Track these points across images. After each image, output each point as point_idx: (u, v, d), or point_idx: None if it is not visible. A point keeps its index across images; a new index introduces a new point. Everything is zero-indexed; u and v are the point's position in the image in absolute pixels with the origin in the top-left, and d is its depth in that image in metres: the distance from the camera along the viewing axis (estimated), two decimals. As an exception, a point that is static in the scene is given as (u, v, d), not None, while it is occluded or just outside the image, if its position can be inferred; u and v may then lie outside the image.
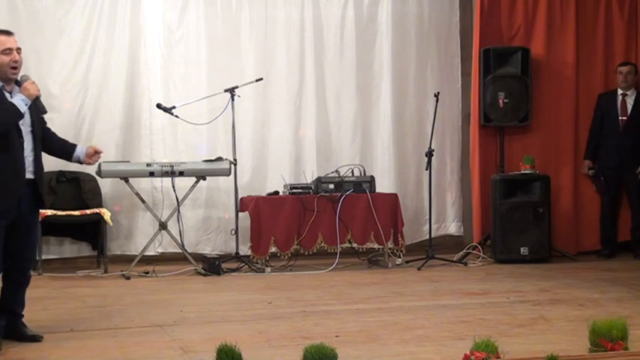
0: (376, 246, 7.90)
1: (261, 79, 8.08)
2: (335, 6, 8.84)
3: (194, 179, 7.66)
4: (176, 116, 7.68)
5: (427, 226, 8.40)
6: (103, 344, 4.61)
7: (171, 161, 7.68)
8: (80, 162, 5.08)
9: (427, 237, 8.31)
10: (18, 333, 4.70)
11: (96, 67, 8.16)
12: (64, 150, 5.04)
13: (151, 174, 7.55)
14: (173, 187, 7.60)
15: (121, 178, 7.59)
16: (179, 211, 7.66)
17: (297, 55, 8.73)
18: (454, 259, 8.13)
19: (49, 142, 4.92)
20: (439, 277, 7.21)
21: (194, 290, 6.64)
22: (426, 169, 8.03)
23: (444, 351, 4.34)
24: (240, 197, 7.89)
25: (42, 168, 4.80)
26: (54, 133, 5.05)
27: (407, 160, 9.00)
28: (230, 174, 7.73)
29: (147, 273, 7.40)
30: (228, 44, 8.53)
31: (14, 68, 4.62)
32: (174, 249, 7.85)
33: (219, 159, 7.75)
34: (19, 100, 4.55)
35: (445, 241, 8.97)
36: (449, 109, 9.03)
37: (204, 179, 7.78)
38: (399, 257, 7.92)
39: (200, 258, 7.83)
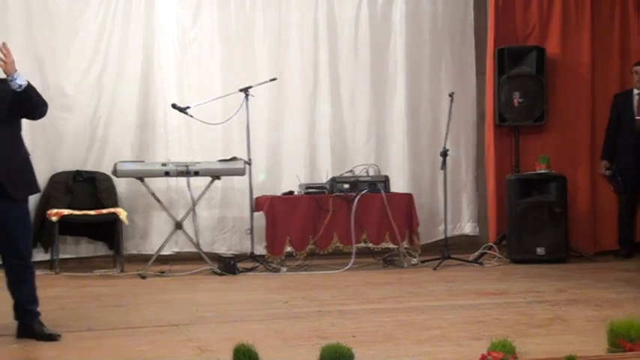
0: (391, 246, 7.89)
1: (275, 78, 8.08)
2: (349, 5, 8.83)
3: (209, 179, 7.67)
4: (191, 116, 7.70)
5: (442, 225, 8.38)
6: (119, 343, 4.62)
7: (186, 161, 7.68)
8: (9, 81, 4.53)
9: (442, 237, 8.30)
10: (35, 332, 4.70)
11: (110, 68, 8.18)
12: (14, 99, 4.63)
13: (166, 174, 7.57)
14: (188, 186, 7.61)
15: (136, 178, 7.60)
16: (194, 211, 7.67)
17: (311, 54, 8.73)
18: (470, 259, 8.10)
19: (19, 111, 4.67)
20: (455, 277, 7.19)
21: (210, 290, 6.65)
22: (441, 169, 8.01)
23: (460, 351, 4.32)
24: (255, 197, 7.89)
25: (11, 161, 4.65)
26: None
27: (421, 160, 8.98)
28: (245, 174, 7.73)
29: (163, 272, 7.42)
30: (243, 44, 8.54)
31: None
32: (190, 248, 7.86)
33: (234, 159, 7.75)
34: None
35: (460, 241, 8.93)
36: (463, 108, 9.00)
37: (219, 179, 7.79)
38: (415, 257, 7.91)
39: (215, 257, 7.84)
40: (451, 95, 8.11)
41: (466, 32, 9.17)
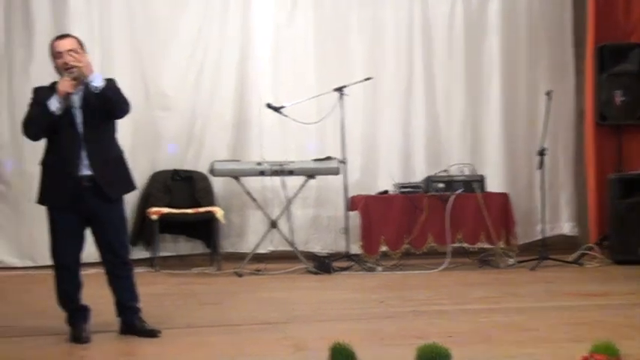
0: (487, 246, 7.80)
1: (370, 78, 8.06)
2: (443, 3, 8.77)
3: (304, 178, 7.71)
4: (285, 115, 7.75)
5: (540, 225, 8.23)
6: (217, 341, 4.67)
7: (281, 160, 7.74)
8: (91, 82, 4.58)
9: (540, 237, 8.15)
10: (136, 328, 4.80)
11: (208, 68, 8.32)
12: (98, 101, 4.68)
13: (261, 173, 7.63)
14: (283, 186, 7.66)
15: (232, 177, 7.70)
16: (289, 210, 7.72)
17: (406, 53, 8.70)
18: (569, 259, 7.92)
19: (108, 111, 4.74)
20: (553, 277, 7.05)
21: (305, 288, 6.69)
22: (538, 169, 7.86)
23: (560, 353, 4.23)
24: (349, 196, 7.90)
25: (107, 162, 4.73)
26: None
27: (518, 159, 8.85)
28: (339, 173, 7.74)
29: (258, 271, 7.49)
30: (337, 44, 8.56)
31: (68, 69, 4.63)
32: (285, 247, 7.91)
33: (329, 158, 7.77)
34: (52, 99, 4.57)
35: (559, 241, 8.74)
36: (562, 107, 8.81)
37: (314, 178, 7.82)
38: (511, 257, 7.79)
39: (310, 256, 7.87)
40: (548, 93, 7.94)
41: (564, 29, 8.98)
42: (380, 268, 7.52)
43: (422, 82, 8.73)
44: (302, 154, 8.13)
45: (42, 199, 4.72)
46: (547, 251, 7.77)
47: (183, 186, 8.13)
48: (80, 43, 4.72)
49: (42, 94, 4.67)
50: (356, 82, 7.93)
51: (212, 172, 7.60)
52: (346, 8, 8.58)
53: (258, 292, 6.44)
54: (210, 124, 8.33)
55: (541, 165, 7.81)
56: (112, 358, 4.37)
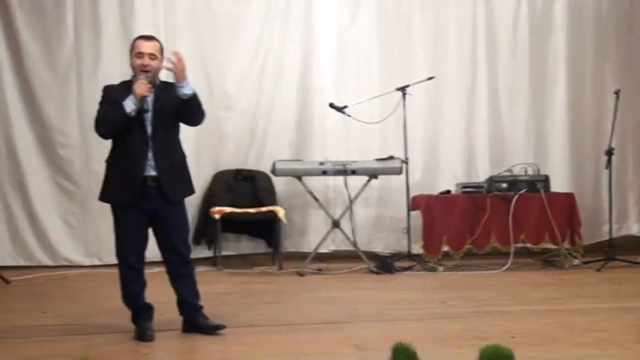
0: (551, 246, 7.70)
1: (433, 77, 8.02)
2: (507, 2, 8.68)
3: (366, 178, 7.70)
4: (348, 115, 7.75)
5: (607, 226, 8.10)
6: (280, 340, 4.70)
7: (343, 160, 7.75)
8: (178, 88, 4.69)
9: (607, 237, 8.02)
10: (199, 325, 4.86)
11: (270, 67, 8.37)
12: (178, 105, 4.78)
13: (324, 172, 7.65)
14: (345, 185, 7.67)
15: (294, 177, 7.73)
16: (351, 210, 7.73)
17: (469, 52, 8.64)
18: (638, 260, 7.76)
19: (181, 117, 4.85)
20: (621, 279, 6.92)
21: (367, 288, 6.68)
22: (606, 168, 7.73)
23: (627, 355, 4.17)
24: (411, 196, 7.87)
25: (171, 165, 4.80)
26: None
27: (584, 159, 8.72)
28: (401, 173, 7.72)
29: (320, 270, 7.51)
30: (400, 43, 8.54)
31: (144, 72, 4.73)
32: (347, 247, 7.91)
33: (391, 158, 7.75)
34: (128, 101, 4.65)
35: (627, 241, 8.59)
36: (630, 106, 8.65)
37: (376, 178, 7.81)
38: (576, 258, 7.68)
39: (372, 256, 7.86)
40: (617, 92, 7.79)
41: (633, 28, 8.82)
42: (442, 268, 7.48)
43: (485, 81, 8.66)
44: (364, 154, 8.12)
45: (105, 197, 4.82)
46: (614, 252, 7.63)
47: (246, 185, 8.19)
48: (162, 49, 4.85)
49: (113, 93, 4.78)
50: (418, 82, 7.90)
51: (274, 171, 7.64)
52: (409, 8, 8.55)
53: (320, 292, 6.46)
54: (272, 124, 8.38)
55: (609, 165, 7.68)
56: (175, 356, 4.43)
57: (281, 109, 8.37)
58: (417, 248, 7.85)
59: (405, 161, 7.74)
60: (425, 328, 4.95)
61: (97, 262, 7.97)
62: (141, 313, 4.84)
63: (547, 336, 4.68)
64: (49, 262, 7.92)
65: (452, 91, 8.59)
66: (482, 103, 8.64)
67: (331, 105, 7.77)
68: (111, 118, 4.68)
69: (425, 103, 8.45)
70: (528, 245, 7.70)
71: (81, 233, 8.01)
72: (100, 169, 7.80)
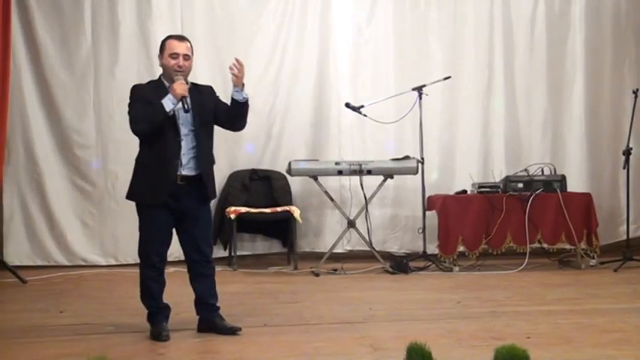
0: (568, 246, 7.67)
1: (449, 77, 8.00)
2: (525, 2, 8.65)
3: (382, 178, 7.70)
4: (364, 115, 7.74)
5: (624, 226, 8.07)
6: (295, 339, 4.71)
7: (359, 160, 7.74)
8: (235, 92, 4.88)
9: (624, 238, 7.98)
10: (216, 325, 4.88)
11: (287, 67, 8.39)
12: (231, 106, 4.95)
13: (340, 172, 7.65)
14: (361, 185, 7.67)
15: (310, 177, 7.73)
16: (367, 210, 7.72)
17: (486, 52, 8.63)
18: (654, 261, 7.74)
19: (227, 116, 4.96)
20: (638, 279, 6.89)
21: (382, 288, 6.68)
22: (624, 168, 7.69)
23: (644, 356, 4.15)
24: (427, 196, 7.86)
25: (208, 165, 4.89)
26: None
27: (601, 159, 8.69)
28: (417, 172, 7.71)
29: (335, 270, 7.51)
30: (417, 43, 8.53)
31: (178, 72, 4.77)
32: (362, 247, 7.91)
33: (407, 157, 7.74)
34: (166, 100, 4.68)
35: (644, 242, 8.56)
36: (648, 105, 8.62)
37: (392, 178, 7.80)
38: (593, 258, 7.64)
39: (387, 256, 7.86)
40: (635, 92, 7.75)
41: (651, 27, 8.79)
42: (457, 268, 7.47)
43: (502, 81, 8.64)
44: (380, 154, 8.13)
45: (135, 195, 4.82)
46: (631, 252, 7.58)
47: (261, 185, 8.21)
48: (192, 49, 4.90)
49: (144, 92, 4.80)
50: (435, 82, 7.88)
51: (290, 171, 7.65)
52: (425, 7, 8.54)
53: (335, 292, 6.46)
54: (288, 124, 8.39)
55: (626, 164, 7.64)
56: (191, 356, 4.44)
57: (297, 108, 8.38)
58: (433, 248, 7.85)
59: (421, 161, 7.73)
60: (440, 328, 4.94)
61: (113, 262, 8.01)
62: (158, 312, 4.86)
63: (563, 336, 4.66)
64: (65, 262, 7.96)
65: (468, 90, 8.57)
66: (498, 102, 8.62)
67: (347, 105, 7.77)
68: (150, 117, 4.68)
69: (441, 103, 8.44)
70: (544, 245, 7.67)
71: (97, 233, 8.04)
72: (117, 169, 7.96)
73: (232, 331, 4.82)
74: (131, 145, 7.93)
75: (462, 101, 8.57)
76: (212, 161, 4.97)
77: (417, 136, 7.85)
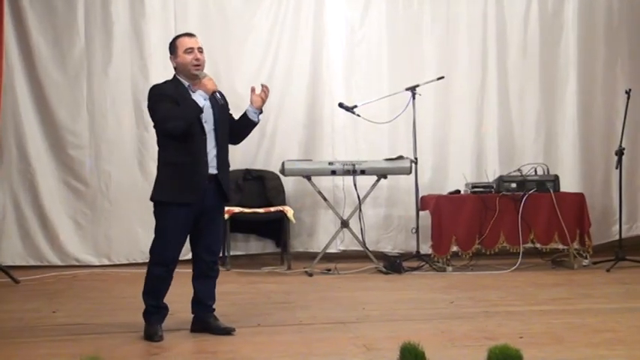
0: (560, 246, 7.69)
1: (443, 77, 8.01)
2: (518, 2, 8.67)
3: (375, 178, 7.70)
4: (358, 115, 7.74)
5: (617, 226, 8.08)
6: (288, 340, 4.71)
7: (353, 160, 7.75)
8: (252, 112, 5.04)
9: (616, 238, 7.99)
10: (210, 326, 4.88)
11: (280, 67, 8.38)
12: (240, 121, 5.06)
13: (333, 172, 7.65)
14: (354, 185, 7.67)
15: (303, 177, 7.73)
16: (360, 210, 7.73)
17: (479, 52, 8.63)
18: (647, 260, 7.76)
19: (232, 129, 5.01)
20: (631, 279, 6.90)
21: (375, 288, 6.68)
22: (616, 168, 7.71)
23: (636, 355, 4.16)
24: (420, 196, 7.87)
25: (227, 164, 4.93)
26: (233, 119, 5.10)
27: (594, 159, 8.70)
28: (411, 172, 7.72)
29: (329, 270, 7.51)
30: (410, 43, 8.54)
31: (196, 66, 4.79)
32: (356, 247, 7.91)
33: (400, 157, 7.75)
34: (198, 96, 4.70)
35: (637, 242, 8.55)
36: (641, 105, 8.65)
37: (385, 178, 7.81)
38: (586, 258, 7.66)
39: (381, 256, 7.87)
40: (628, 92, 7.77)
41: (644, 27, 8.81)
42: (450, 268, 7.47)
43: (495, 81, 8.64)
44: (373, 154, 8.13)
45: (164, 195, 4.75)
46: (624, 252, 7.60)
47: (255, 185, 8.21)
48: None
49: (168, 91, 4.77)
50: (428, 82, 7.89)
51: (283, 171, 7.65)
52: (419, 7, 8.55)
53: (329, 292, 6.46)
54: (281, 124, 8.38)
55: (619, 164, 7.66)
56: (185, 356, 4.43)
57: (290, 109, 8.38)
58: (426, 248, 7.86)
59: (415, 161, 7.74)
60: (433, 328, 4.95)
61: (106, 262, 8.00)
62: (156, 312, 4.85)
63: (556, 336, 4.67)
64: (58, 262, 7.94)
65: (461, 91, 8.58)
66: (491, 102, 8.63)
67: (340, 105, 7.77)
68: (183, 113, 4.67)
69: (434, 103, 8.44)
70: (537, 245, 7.69)
71: (90, 233, 8.03)
72: (110, 169, 7.96)
73: (226, 332, 4.82)
74: (124, 145, 8.06)
75: (456, 101, 8.58)
76: (228, 164, 4.97)
77: (410, 136, 7.86)
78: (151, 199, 4.85)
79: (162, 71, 8.03)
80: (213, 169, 4.79)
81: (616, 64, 8.73)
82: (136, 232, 7.97)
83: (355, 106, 7.72)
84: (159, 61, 8.08)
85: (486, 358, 3.60)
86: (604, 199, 8.65)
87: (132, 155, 8.08)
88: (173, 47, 4.87)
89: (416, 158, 7.76)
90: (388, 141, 8.38)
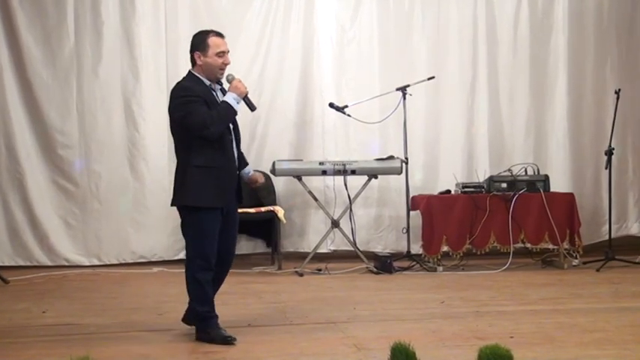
0: (551, 246, 7.70)
1: (433, 77, 8.02)
2: (508, 2, 8.67)
3: (366, 178, 7.70)
4: (348, 115, 7.74)
5: (606, 226, 8.10)
6: (278, 339, 4.71)
7: (344, 160, 7.75)
8: (243, 179, 5.04)
9: (606, 238, 8.01)
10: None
11: (270, 67, 8.37)
12: (239, 161, 5.02)
13: (324, 172, 7.65)
14: (345, 185, 7.67)
15: (294, 177, 7.73)
16: (351, 210, 7.72)
17: (470, 52, 8.63)
18: (637, 260, 7.76)
19: None
20: (620, 279, 6.92)
21: (366, 288, 6.68)
22: (606, 168, 7.72)
23: (626, 355, 4.17)
24: (411, 196, 7.88)
25: (242, 165, 4.95)
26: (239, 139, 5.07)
27: (584, 159, 8.72)
28: (401, 172, 7.72)
29: (319, 270, 7.51)
30: (400, 43, 8.53)
31: (222, 70, 4.79)
32: (346, 247, 7.91)
33: (391, 157, 7.75)
34: (231, 99, 4.68)
35: (626, 242, 8.57)
36: (631, 106, 8.66)
37: (376, 178, 7.81)
38: (576, 258, 7.68)
39: (372, 256, 7.87)
40: (617, 92, 7.79)
41: (634, 28, 8.81)
42: (441, 268, 7.48)
43: (485, 81, 8.65)
44: (364, 154, 8.13)
45: (199, 199, 4.63)
46: (613, 252, 7.62)
47: (245, 185, 8.16)
48: None
49: (201, 92, 4.72)
50: (419, 82, 7.90)
51: (274, 171, 7.64)
52: (409, 7, 8.55)
53: (319, 292, 6.46)
54: (272, 124, 8.37)
55: (608, 164, 7.67)
56: (175, 356, 4.43)
57: (281, 109, 8.37)
58: (417, 248, 7.87)
59: (405, 161, 7.74)
60: (424, 328, 4.95)
61: (96, 262, 7.97)
62: (213, 317, 4.78)
63: (546, 336, 4.68)
64: (48, 262, 7.91)
65: (452, 91, 8.58)
66: (482, 103, 8.63)
67: (331, 105, 7.76)
68: (224, 117, 4.65)
69: (425, 103, 8.44)
70: (528, 245, 7.70)
71: (80, 233, 8.00)
72: (100, 169, 7.94)
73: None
74: (114, 145, 8.03)
75: (446, 101, 8.58)
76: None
77: (401, 136, 7.86)
78: (182, 204, 4.71)
79: (153, 71, 8.08)
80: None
81: (606, 64, 8.75)
82: (126, 233, 7.97)
83: (346, 106, 7.72)
84: (149, 61, 8.08)
85: (477, 357, 3.61)
86: (594, 199, 8.66)
87: (122, 155, 8.06)
88: (203, 44, 4.76)
89: (406, 158, 7.77)
90: (379, 141, 8.37)
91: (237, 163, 4.81)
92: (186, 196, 4.66)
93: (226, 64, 4.79)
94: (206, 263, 4.69)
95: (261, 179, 5.15)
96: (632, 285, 6.59)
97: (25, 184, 7.92)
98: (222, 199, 4.68)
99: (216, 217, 4.67)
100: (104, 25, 8.03)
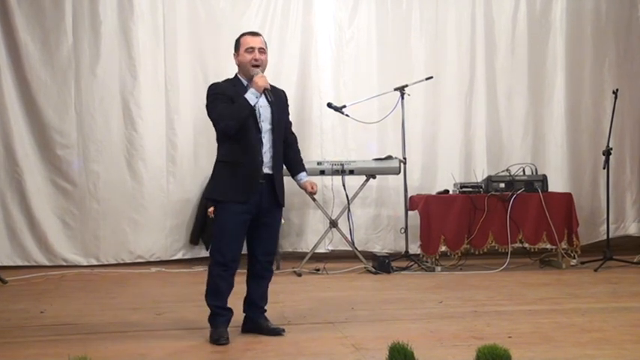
0: (549, 246, 7.71)
1: (432, 77, 8.02)
2: (506, 2, 8.68)
3: (364, 178, 7.71)
4: (346, 115, 7.74)
5: (604, 226, 8.11)
6: (276, 340, 4.71)
7: (342, 160, 7.75)
8: (299, 185, 5.12)
9: (604, 237, 8.02)
10: (261, 326, 4.88)
11: (269, 67, 8.23)
12: (293, 164, 5.07)
13: (322, 172, 7.65)
14: (343, 185, 7.67)
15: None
16: (349, 210, 7.73)
17: (468, 52, 8.65)
18: (635, 260, 7.78)
19: (285, 147, 4.96)
20: (618, 278, 6.93)
21: (364, 288, 6.68)
22: (604, 168, 7.73)
23: (624, 355, 4.17)
24: (409, 196, 7.88)
25: (281, 165, 4.88)
26: (295, 142, 5.09)
27: (582, 159, 8.73)
28: (400, 172, 7.72)
29: (318, 270, 7.51)
30: (399, 43, 8.54)
31: (256, 66, 4.78)
32: (345, 247, 7.92)
33: (389, 157, 7.76)
34: (249, 94, 4.68)
35: (624, 242, 8.61)
36: (629, 106, 8.68)
37: (374, 178, 7.81)
38: (574, 258, 7.69)
39: (370, 256, 7.87)
40: (615, 92, 7.80)
41: (632, 28, 8.84)
42: (439, 268, 7.48)
43: (483, 81, 8.66)
44: (362, 154, 8.14)
45: (222, 194, 4.71)
46: (611, 252, 7.63)
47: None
48: (266, 44, 4.92)
49: (225, 89, 4.77)
50: (417, 82, 7.90)
51: (272, 171, 7.62)
52: (407, 7, 8.55)
53: (317, 292, 6.47)
54: (270, 123, 8.36)
55: (606, 164, 7.68)
56: (172, 355, 4.42)
57: (279, 108, 8.35)
58: (415, 248, 7.88)
59: (403, 161, 7.75)
60: (422, 328, 4.95)
61: (94, 262, 7.97)
62: (221, 315, 4.79)
63: (544, 336, 4.68)
64: (46, 262, 7.91)
65: (450, 91, 8.59)
66: (480, 103, 8.64)
67: (329, 105, 7.77)
68: (235, 113, 4.65)
69: (423, 103, 8.45)
70: (526, 245, 7.70)
71: (78, 233, 8.00)
72: (98, 169, 7.93)
73: (276, 332, 4.82)
74: (113, 145, 8.03)
75: (444, 101, 8.59)
76: (282, 165, 4.92)
77: (399, 136, 7.87)
78: (208, 197, 4.88)
79: (151, 71, 8.07)
80: (268, 169, 4.77)
81: (603, 64, 8.76)
82: (124, 232, 7.97)
83: (344, 106, 7.72)
84: (147, 60, 8.07)
85: (475, 357, 3.61)
86: (592, 199, 8.68)
87: (120, 155, 8.06)
88: (236, 45, 4.87)
89: (405, 158, 7.77)
90: (377, 141, 8.38)
91: (269, 161, 4.76)
92: (210, 190, 4.90)
93: (256, 60, 4.79)
94: (222, 258, 4.72)
95: (310, 188, 5.11)
96: (630, 285, 6.60)
97: (23, 184, 7.91)
98: (239, 195, 4.67)
99: (234, 213, 4.68)
100: (102, 24, 8.03)
